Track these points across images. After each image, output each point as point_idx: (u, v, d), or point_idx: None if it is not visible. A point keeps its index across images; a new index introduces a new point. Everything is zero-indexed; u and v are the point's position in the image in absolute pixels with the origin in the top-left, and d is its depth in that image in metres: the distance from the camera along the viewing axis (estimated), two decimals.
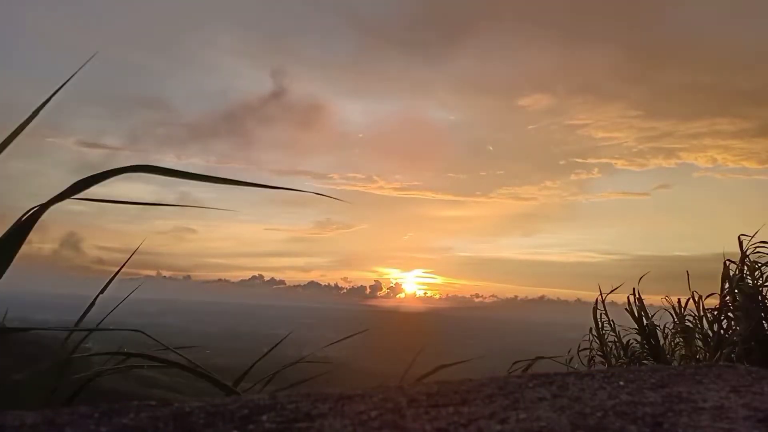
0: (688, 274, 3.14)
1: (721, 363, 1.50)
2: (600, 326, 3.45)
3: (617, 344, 3.38)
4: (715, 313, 2.98)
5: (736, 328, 2.87)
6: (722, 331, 2.90)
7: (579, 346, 3.51)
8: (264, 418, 0.89)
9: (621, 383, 1.21)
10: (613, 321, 3.55)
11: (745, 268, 2.88)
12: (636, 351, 3.23)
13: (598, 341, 3.37)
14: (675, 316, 3.24)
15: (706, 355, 2.87)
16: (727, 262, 2.98)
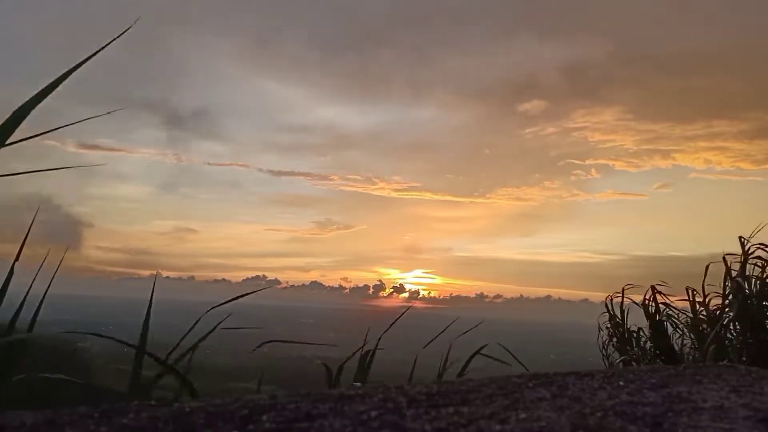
0: (707, 269, 3.10)
1: (721, 363, 1.50)
2: (620, 325, 3.46)
3: (637, 343, 3.39)
4: (717, 312, 2.98)
5: (737, 328, 2.87)
6: (723, 331, 2.91)
7: (600, 340, 3.50)
8: (264, 418, 0.89)
9: (621, 383, 1.21)
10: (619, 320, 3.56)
11: (747, 267, 2.88)
12: (648, 351, 3.25)
13: (620, 340, 3.38)
14: (677, 316, 3.25)
15: (706, 354, 2.87)
16: (729, 262, 2.98)
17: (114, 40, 1.53)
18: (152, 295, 1.94)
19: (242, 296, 2.15)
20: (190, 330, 1.96)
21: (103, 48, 1.52)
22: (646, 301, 3.39)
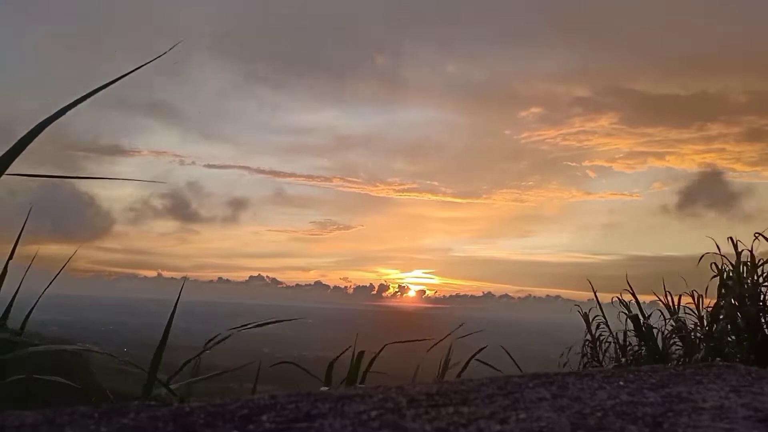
0: (730, 267, 3.07)
1: (721, 363, 1.49)
2: (593, 329, 3.45)
3: (615, 345, 3.37)
4: (713, 311, 2.97)
5: (734, 327, 2.86)
6: (720, 330, 2.90)
7: (569, 350, 3.50)
8: (264, 418, 0.89)
9: (621, 383, 1.21)
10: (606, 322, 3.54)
11: (741, 266, 2.88)
12: (634, 352, 3.23)
13: (591, 344, 3.37)
14: (671, 316, 3.23)
15: (704, 354, 2.86)
16: (724, 262, 2.97)
17: (150, 62, 1.51)
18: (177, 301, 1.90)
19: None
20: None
21: (137, 69, 1.51)
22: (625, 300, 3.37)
